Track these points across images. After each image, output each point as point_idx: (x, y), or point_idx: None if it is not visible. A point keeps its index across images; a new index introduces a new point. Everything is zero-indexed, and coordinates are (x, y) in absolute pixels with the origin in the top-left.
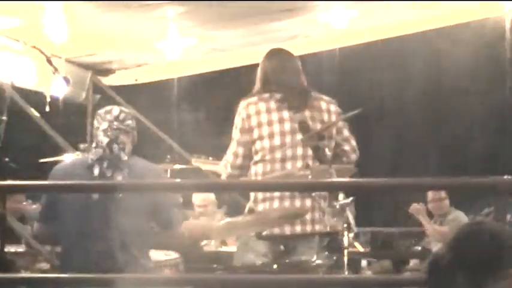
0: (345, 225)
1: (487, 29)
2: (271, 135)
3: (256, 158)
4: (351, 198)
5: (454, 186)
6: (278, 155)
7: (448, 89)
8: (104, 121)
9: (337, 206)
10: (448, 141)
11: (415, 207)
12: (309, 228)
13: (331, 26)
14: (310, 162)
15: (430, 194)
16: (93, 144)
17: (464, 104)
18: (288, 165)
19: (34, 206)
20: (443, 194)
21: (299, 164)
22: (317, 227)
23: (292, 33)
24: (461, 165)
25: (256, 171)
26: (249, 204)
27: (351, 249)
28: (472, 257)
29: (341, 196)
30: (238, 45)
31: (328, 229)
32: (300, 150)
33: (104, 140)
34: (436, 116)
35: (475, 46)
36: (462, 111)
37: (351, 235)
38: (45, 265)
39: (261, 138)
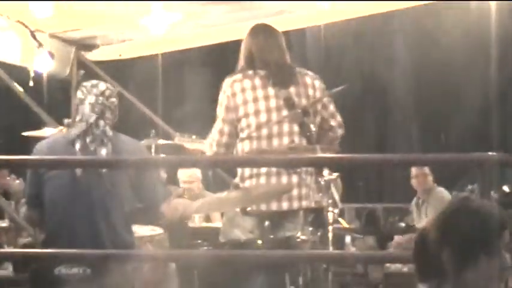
0: (330, 201)
1: (473, 6)
2: (256, 113)
3: (242, 135)
4: (335, 174)
5: (438, 162)
6: (264, 131)
7: (433, 66)
8: (90, 95)
9: (322, 182)
10: (432, 118)
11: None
12: (295, 204)
13: (316, 1)
14: (296, 139)
15: (414, 170)
16: (78, 118)
17: (448, 81)
18: (275, 141)
19: (17, 181)
20: (426, 170)
21: (285, 140)
22: (303, 203)
23: (278, 9)
24: (445, 141)
25: (243, 149)
26: (235, 180)
27: (335, 225)
28: (459, 233)
29: (326, 172)
30: (224, 21)
31: (313, 205)
32: (286, 127)
33: (91, 115)
34: (420, 93)
35: (461, 23)
36: (446, 88)
37: (336, 211)
38: (27, 240)
39: (246, 115)
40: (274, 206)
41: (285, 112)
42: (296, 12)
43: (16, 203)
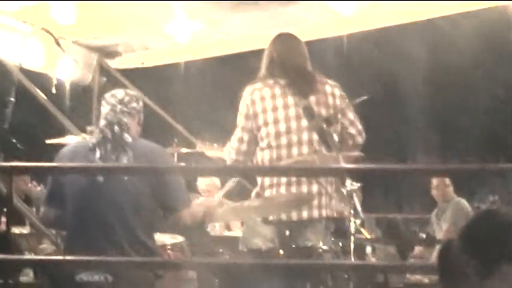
0: (352, 211)
1: (492, 17)
2: (276, 121)
3: (262, 144)
4: (358, 184)
5: (460, 173)
6: (284, 140)
7: (453, 75)
8: (107, 104)
9: (345, 192)
10: (451, 127)
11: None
12: (315, 213)
13: (339, 12)
14: (316, 147)
15: (435, 181)
16: (95, 127)
17: (468, 90)
18: (294, 150)
19: (39, 188)
20: (447, 180)
21: (305, 149)
22: (324, 213)
23: (301, 19)
24: (464, 150)
25: (263, 158)
26: (256, 190)
27: (357, 235)
28: (484, 243)
29: (348, 182)
30: (247, 30)
31: (335, 214)
32: (305, 135)
33: (103, 123)
34: (440, 102)
35: (480, 33)
36: (466, 97)
37: (358, 221)
38: (48, 246)
39: (266, 124)
40: (294, 215)
41: (304, 121)
42: (318, 22)
43: (37, 209)
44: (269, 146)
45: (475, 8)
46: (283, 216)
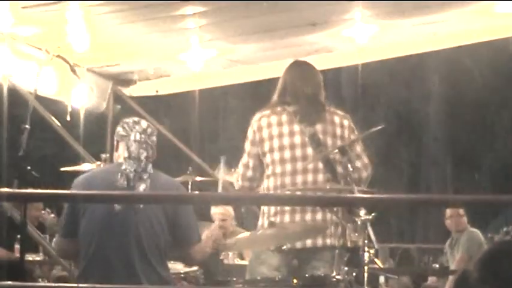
0: (366, 241)
1: (506, 45)
2: (281, 148)
3: (268, 172)
4: (372, 214)
5: (475, 204)
6: (288, 167)
7: (467, 105)
8: (132, 131)
9: (359, 222)
10: (465, 156)
11: None
12: (328, 241)
13: (353, 40)
14: (321, 176)
15: (448, 211)
16: (123, 153)
17: (482, 119)
18: (299, 178)
19: (52, 216)
20: (461, 211)
21: (310, 177)
22: (329, 241)
23: (315, 48)
24: (479, 180)
25: (268, 186)
26: (268, 217)
27: (371, 265)
28: (500, 274)
29: (362, 212)
30: (260, 59)
31: (349, 244)
32: (310, 164)
33: (141, 152)
34: (454, 131)
35: (495, 63)
36: (480, 126)
37: (372, 251)
38: (59, 272)
39: (271, 151)
40: (308, 243)
41: (309, 149)
42: (333, 52)
43: (51, 236)
44: (274, 173)
45: (492, 37)
46: (298, 245)
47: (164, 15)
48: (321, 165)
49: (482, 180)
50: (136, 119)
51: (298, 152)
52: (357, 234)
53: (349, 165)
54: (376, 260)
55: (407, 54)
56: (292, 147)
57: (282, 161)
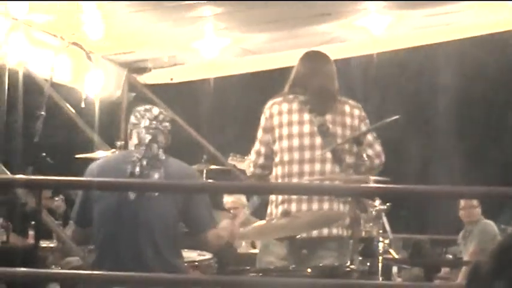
0: (380, 231)
1: None
2: (289, 136)
3: (276, 159)
4: (387, 204)
5: (489, 196)
6: (296, 156)
7: (479, 98)
8: (143, 119)
9: (374, 212)
10: (475, 149)
11: None
12: (341, 231)
13: (367, 31)
14: (328, 166)
15: (462, 202)
16: (135, 141)
17: (494, 113)
18: (306, 167)
19: (57, 199)
20: (475, 202)
21: (317, 167)
22: (350, 231)
23: (328, 38)
24: (489, 174)
25: (276, 173)
26: (276, 206)
27: (385, 255)
28: None
29: (377, 202)
30: (274, 48)
31: (363, 234)
32: (318, 153)
33: (147, 138)
34: (466, 125)
35: (508, 56)
36: (490, 119)
37: (387, 241)
38: (73, 259)
39: (280, 138)
40: (320, 233)
41: (318, 139)
42: (346, 41)
43: (63, 222)
44: (281, 161)
45: (505, 29)
46: (309, 234)
47: (179, 4)
48: (329, 154)
49: (491, 172)
50: (148, 106)
51: (307, 141)
52: (371, 224)
53: (364, 155)
54: (390, 250)
55: (419, 45)
56: (301, 136)
57: (290, 149)
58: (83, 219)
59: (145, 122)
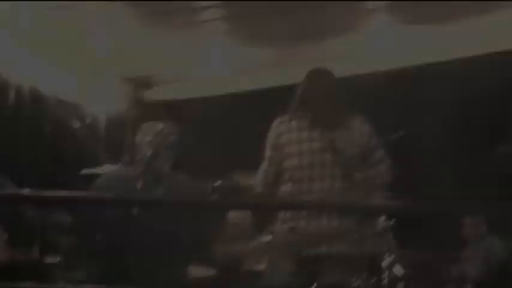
0: (385, 247)
1: None
2: (299, 154)
3: (285, 176)
4: (392, 220)
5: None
6: (306, 173)
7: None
8: (147, 135)
9: (379, 228)
10: (473, 164)
11: None
12: (347, 248)
13: (374, 47)
14: (338, 183)
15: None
16: (139, 156)
17: (498, 129)
18: (316, 185)
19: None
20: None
21: (327, 184)
22: (356, 248)
23: (335, 54)
24: (494, 192)
25: (286, 191)
26: (289, 224)
27: (389, 272)
28: None
29: (382, 218)
30: (281, 64)
31: (368, 251)
32: (328, 170)
33: (147, 153)
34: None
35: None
36: (496, 136)
37: (392, 257)
38: (79, 274)
39: (289, 156)
40: (326, 250)
41: (328, 155)
42: (352, 58)
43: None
44: (291, 179)
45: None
46: (316, 251)
47: (187, 20)
48: (338, 171)
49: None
50: (153, 122)
51: (317, 158)
52: (378, 240)
53: (370, 172)
54: (395, 266)
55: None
56: (311, 153)
57: (300, 166)
58: (86, 231)
59: (148, 138)
